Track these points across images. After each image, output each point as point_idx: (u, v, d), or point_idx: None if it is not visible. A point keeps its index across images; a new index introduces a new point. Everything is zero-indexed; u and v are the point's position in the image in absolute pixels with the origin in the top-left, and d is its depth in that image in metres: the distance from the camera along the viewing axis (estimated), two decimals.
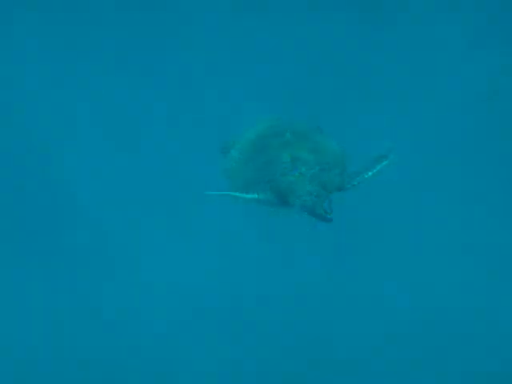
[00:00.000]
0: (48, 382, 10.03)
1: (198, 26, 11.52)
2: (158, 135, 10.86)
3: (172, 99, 11.13)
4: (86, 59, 11.36)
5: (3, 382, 10.04)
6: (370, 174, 8.68)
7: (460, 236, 10.35)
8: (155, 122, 11.03)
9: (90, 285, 10.31)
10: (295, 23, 11.51)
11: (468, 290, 10.12)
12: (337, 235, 9.55)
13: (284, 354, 10.02)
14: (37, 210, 10.65)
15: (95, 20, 11.53)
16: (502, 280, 10.26)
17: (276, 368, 10.02)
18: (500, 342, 10.03)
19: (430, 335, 10.07)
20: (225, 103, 10.94)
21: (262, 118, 9.44)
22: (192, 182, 10.03)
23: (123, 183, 10.62)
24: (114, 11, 11.55)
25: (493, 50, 11.34)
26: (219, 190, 8.45)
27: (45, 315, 10.26)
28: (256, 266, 10.21)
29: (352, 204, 9.16)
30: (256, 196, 8.48)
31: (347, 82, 11.10)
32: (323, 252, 10.09)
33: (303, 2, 11.62)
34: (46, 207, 10.66)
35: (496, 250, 10.31)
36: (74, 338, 10.15)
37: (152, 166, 10.69)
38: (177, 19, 11.58)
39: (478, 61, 11.29)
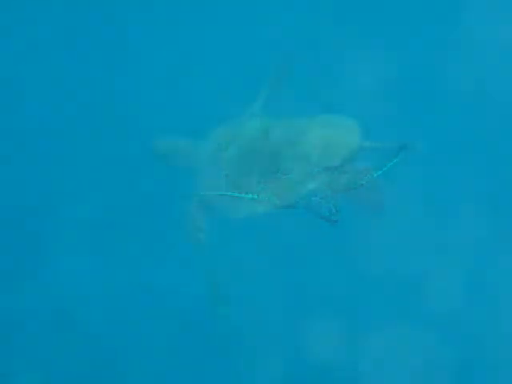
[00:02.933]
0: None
1: (195, 21, 11.35)
2: (153, 132, 10.88)
3: (167, 94, 11.05)
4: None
5: None
6: (379, 172, 8.41)
7: (468, 238, 10.12)
8: (150, 119, 10.91)
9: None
10: (296, 17, 11.34)
11: (476, 292, 9.95)
12: (341, 236, 9.38)
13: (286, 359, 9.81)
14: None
15: None
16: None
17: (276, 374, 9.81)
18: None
19: (439, 342, 9.82)
20: (222, 97, 10.86)
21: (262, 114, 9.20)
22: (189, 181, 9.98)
23: (121, 182, 10.53)
24: None
25: None
26: (216, 190, 8.30)
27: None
28: (255, 266, 10.01)
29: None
30: (255, 197, 8.30)
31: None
32: (325, 252, 9.91)
33: None
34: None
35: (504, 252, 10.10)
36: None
37: (148, 164, 10.57)
38: (168, 13, 11.43)
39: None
